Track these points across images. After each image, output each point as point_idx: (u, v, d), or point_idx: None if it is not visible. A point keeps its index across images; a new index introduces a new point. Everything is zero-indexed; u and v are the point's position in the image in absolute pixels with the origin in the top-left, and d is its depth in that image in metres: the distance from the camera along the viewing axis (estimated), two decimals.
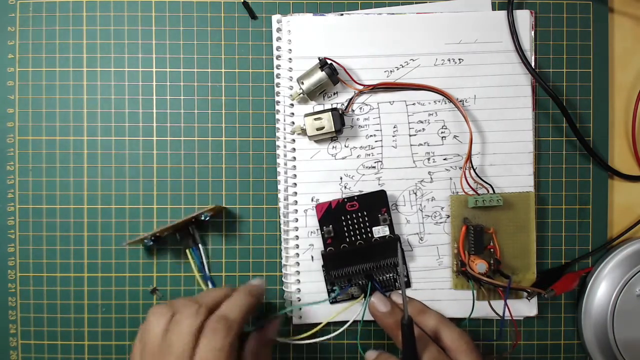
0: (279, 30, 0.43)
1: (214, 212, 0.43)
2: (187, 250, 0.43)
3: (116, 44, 0.44)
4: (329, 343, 0.44)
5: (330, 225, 0.42)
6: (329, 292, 0.43)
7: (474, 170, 0.43)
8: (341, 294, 0.42)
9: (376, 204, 0.42)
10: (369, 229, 0.42)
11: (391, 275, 0.43)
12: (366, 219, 0.42)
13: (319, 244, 0.43)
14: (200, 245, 0.43)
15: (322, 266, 0.43)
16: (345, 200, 0.42)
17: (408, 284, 0.43)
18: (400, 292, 0.42)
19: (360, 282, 0.43)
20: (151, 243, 0.42)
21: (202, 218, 0.42)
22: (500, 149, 0.43)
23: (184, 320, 0.33)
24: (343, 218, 0.42)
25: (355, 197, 0.42)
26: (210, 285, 0.44)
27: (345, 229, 0.42)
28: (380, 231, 0.42)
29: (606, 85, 0.44)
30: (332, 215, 0.42)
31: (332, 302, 0.43)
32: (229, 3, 0.44)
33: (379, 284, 0.42)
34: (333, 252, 0.42)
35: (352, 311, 0.42)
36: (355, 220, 0.42)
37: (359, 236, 0.42)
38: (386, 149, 0.43)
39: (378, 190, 0.42)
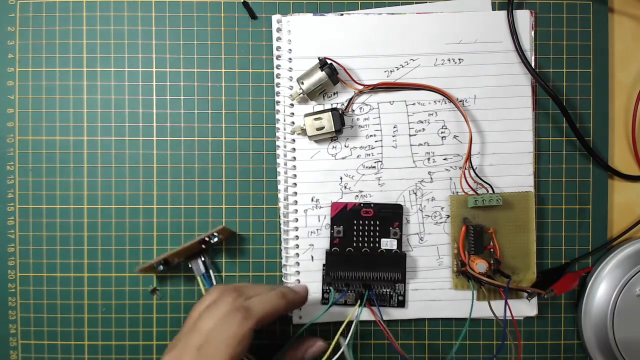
0: (279, 30, 0.43)
1: (224, 236, 0.43)
2: (199, 277, 0.43)
3: (116, 44, 0.44)
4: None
5: (341, 226, 0.42)
6: (323, 293, 0.43)
7: (474, 170, 0.43)
8: (339, 299, 0.42)
9: (390, 217, 0.42)
10: (377, 239, 0.42)
11: (389, 290, 0.43)
12: (377, 228, 0.42)
13: (318, 244, 0.43)
14: (211, 272, 0.43)
15: (323, 265, 0.43)
16: (362, 205, 0.42)
17: (403, 304, 0.43)
18: None
19: (357, 290, 0.42)
20: (161, 267, 0.42)
21: (212, 241, 0.42)
22: (500, 149, 0.43)
23: (221, 305, 0.35)
24: (355, 222, 0.42)
25: (372, 205, 0.42)
26: None
27: (355, 233, 0.42)
28: (388, 244, 0.42)
29: (606, 85, 0.44)
30: (345, 217, 0.42)
31: (325, 303, 0.43)
32: (229, 3, 0.44)
33: (375, 296, 0.42)
34: (337, 252, 0.42)
35: (351, 311, 0.42)
36: (366, 227, 0.42)
37: (366, 244, 0.42)
38: (386, 149, 0.43)
39: (396, 204, 0.42)
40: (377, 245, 0.42)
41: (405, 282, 0.43)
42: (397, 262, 0.42)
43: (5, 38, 0.44)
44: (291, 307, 0.39)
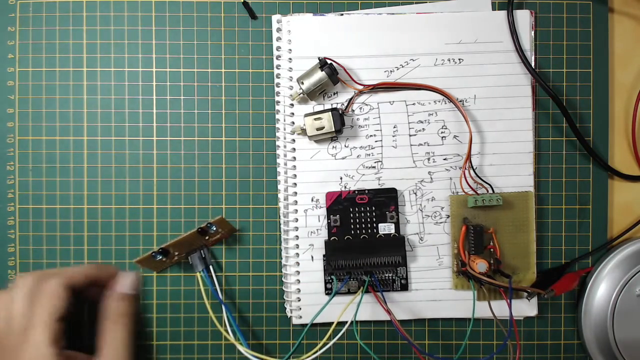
0: (279, 30, 0.43)
1: (224, 229, 0.43)
2: (198, 274, 0.43)
3: (116, 44, 0.44)
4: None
5: (338, 215, 0.42)
6: (326, 283, 0.43)
7: (474, 170, 0.43)
8: (341, 287, 0.42)
9: (386, 201, 0.42)
10: (375, 225, 0.42)
11: (391, 275, 0.43)
12: (374, 214, 0.42)
13: (318, 244, 0.43)
14: (211, 269, 0.43)
15: (323, 255, 0.43)
16: (356, 192, 0.42)
17: (406, 287, 0.43)
18: None
19: (359, 277, 0.42)
20: (159, 257, 0.42)
21: (211, 230, 0.42)
22: (500, 149, 0.43)
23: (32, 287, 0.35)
24: (351, 210, 0.42)
25: (367, 191, 0.42)
26: (224, 312, 0.42)
27: (351, 220, 0.42)
28: (386, 228, 0.42)
29: (606, 85, 0.44)
30: (340, 205, 0.42)
31: (328, 294, 0.43)
32: (229, 3, 0.44)
33: (378, 281, 0.42)
34: (336, 241, 0.42)
35: (350, 310, 0.42)
36: (362, 214, 0.42)
37: (364, 230, 0.42)
38: (386, 149, 0.43)
39: (390, 188, 0.43)
40: (375, 230, 0.42)
41: (407, 265, 0.43)
42: (397, 246, 0.42)
43: (5, 38, 0.44)
44: (104, 272, 0.38)
